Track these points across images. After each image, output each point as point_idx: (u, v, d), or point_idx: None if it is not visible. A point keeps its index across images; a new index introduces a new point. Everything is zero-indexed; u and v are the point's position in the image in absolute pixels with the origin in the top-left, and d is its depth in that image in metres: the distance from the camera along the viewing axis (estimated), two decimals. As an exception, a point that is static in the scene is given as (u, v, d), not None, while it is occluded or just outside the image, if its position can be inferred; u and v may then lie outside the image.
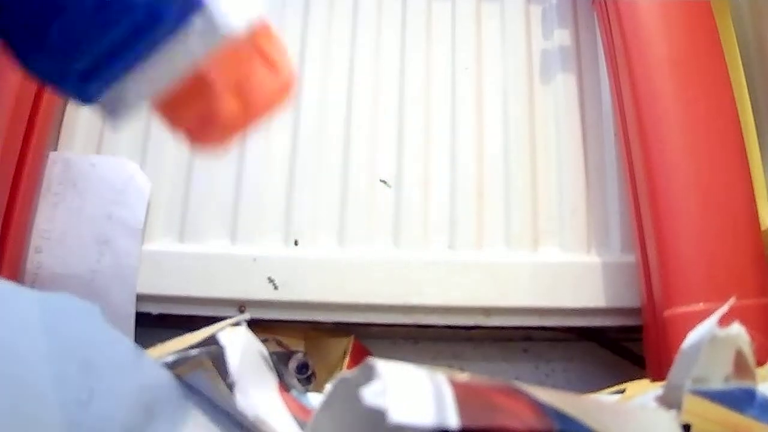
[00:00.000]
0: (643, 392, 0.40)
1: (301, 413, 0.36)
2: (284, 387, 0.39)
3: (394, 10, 0.80)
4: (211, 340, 0.35)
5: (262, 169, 0.73)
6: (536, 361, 0.74)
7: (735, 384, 0.30)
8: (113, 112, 0.28)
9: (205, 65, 0.28)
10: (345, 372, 0.24)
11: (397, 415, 0.20)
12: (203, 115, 0.31)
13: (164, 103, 0.30)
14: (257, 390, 0.34)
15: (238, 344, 0.34)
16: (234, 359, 0.32)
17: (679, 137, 0.59)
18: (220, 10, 0.27)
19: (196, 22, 0.26)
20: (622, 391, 0.49)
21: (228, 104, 0.31)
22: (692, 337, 0.32)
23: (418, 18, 0.79)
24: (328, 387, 0.27)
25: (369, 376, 0.22)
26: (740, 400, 0.30)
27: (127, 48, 0.27)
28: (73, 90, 0.28)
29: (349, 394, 0.23)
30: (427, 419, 0.21)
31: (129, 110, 0.28)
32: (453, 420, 0.21)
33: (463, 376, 0.24)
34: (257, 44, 0.31)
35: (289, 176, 0.73)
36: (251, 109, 0.33)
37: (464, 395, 0.22)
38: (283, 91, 0.34)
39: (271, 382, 0.38)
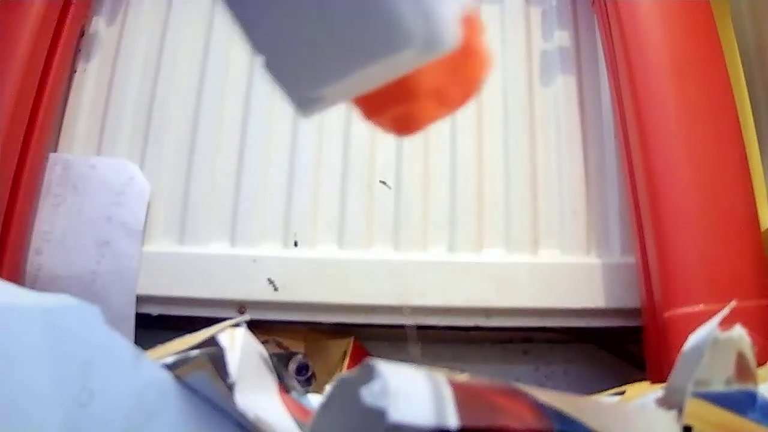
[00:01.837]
0: (643, 394, 0.40)
1: (301, 414, 0.36)
2: (284, 388, 0.39)
3: (394, 12, 0.80)
4: (211, 342, 0.34)
5: (261, 170, 0.73)
6: (536, 362, 0.73)
7: (736, 387, 0.30)
8: (307, 105, 0.26)
9: (413, 72, 0.27)
10: (345, 372, 0.24)
11: (396, 414, 0.20)
12: (401, 114, 0.30)
13: (362, 99, 0.29)
14: (257, 391, 0.34)
15: (238, 345, 0.34)
16: (234, 360, 0.32)
17: (679, 138, 0.59)
18: (446, 21, 0.25)
19: (418, 38, 0.24)
20: (622, 393, 0.49)
21: (427, 107, 0.30)
22: (693, 339, 0.32)
23: (417, 19, 0.79)
24: (328, 388, 0.27)
25: (369, 376, 0.22)
26: (742, 403, 0.30)
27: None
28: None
29: (348, 394, 0.23)
30: (427, 419, 0.21)
31: (324, 106, 0.26)
32: (452, 420, 0.21)
33: (462, 377, 0.24)
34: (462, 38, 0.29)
35: (288, 177, 0.73)
36: (448, 102, 0.32)
37: (464, 395, 0.22)
38: (479, 77, 0.33)
39: (271, 383, 0.38)
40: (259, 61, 0.25)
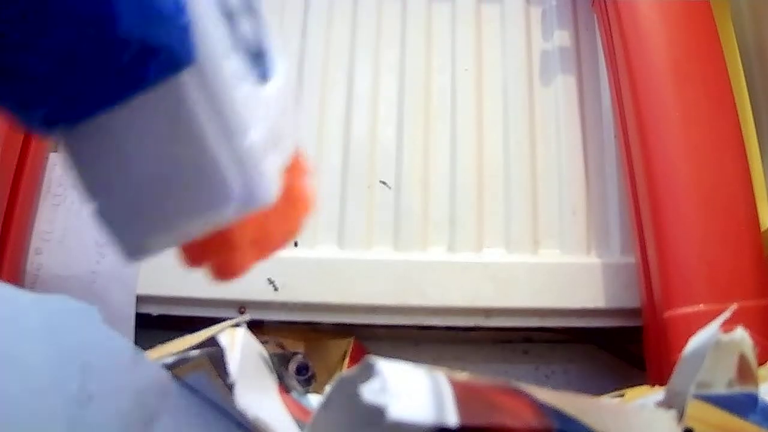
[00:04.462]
0: (643, 396, 0.40)
1: (301, 414, 0.36)
2: (284, 388, 0.39)
3: (394, 12, 0.80)
4: (211, 342, 0.34)
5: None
6: (536, 362, 0.73)
7: (738, 389, 0.30)
8: (135, 253, 0.27)
9: (233, 224, 0.28)
10: (345, 371, 0.24)
11: (396, 412, 0.20)
12: (221, 262, 0.31)
13: (186, 247, 0.30)
14: (257, 391, 0.34)
15: (238, 345, 0.34)
16: (234, 360, 0.32)
17: (679, 138, 0.59)
18: (265, 179, 0.26)
19: (238, 194, 0.25)
20: (622, 396, 0.49)
21: (245, 254, 0.31)
22: (695, 341, 0.32)
23: (418, 19, 0.80)
24: (328, 387, 0.27)
25: (368, 374, 0.22)
26: (743, 406, 0.30)
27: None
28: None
29: (348, 392, 0.23)
30: (427, 417, 0.21)
31: (151, 254, 0.28)
32: (452, 418, 0.21)
33: (462, 375, 0.24)
34: (283, 181, 0.30)
35: (289, 178, 0.73)
36: (267, 246, 0.33)
37: (464, 394, 0.22)
38: (299, 220, 0.34)
39: (271, 383, 0.38)
40: (89, 207, 0.26)
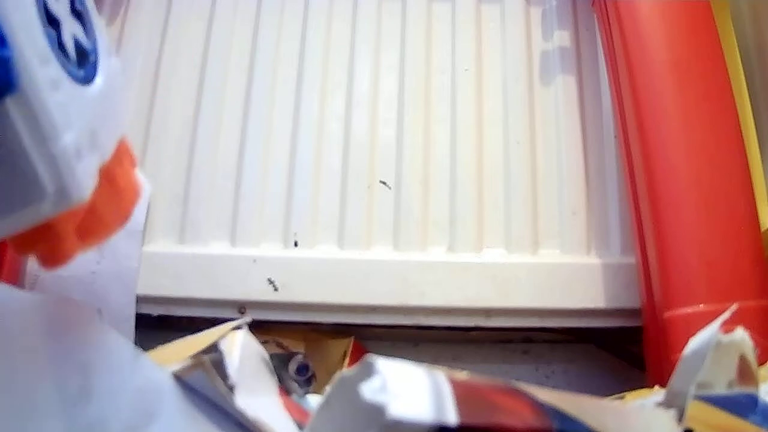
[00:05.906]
0: (642, 397, 0.40)
1: (301, 417, 0.36)
2: (284, 390, 0.39)
3: (394, 12, 0.80)
4: (212, 345, 0.34)
5: (261, 170, 0.73)
6: (536, 362, 0.73)
7: (738, 390, 0.30)
8: None
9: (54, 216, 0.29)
10: (344, 370, 0.24)
11: (395, 411, 0.20)
12: (46, 251, 0.32)
13: (10, 238, 0.31)
14: (257, 392, 0.34)
15: (238, 347, 0.34)
16: (233, 362, 0.32)
17: (679, 138, 0.59)
18: (79, 178, 0.27)
19: (51, 193, 0.26)
20: (622, 399, 0.49)
21: (69, 242, 0.32)
22: (695, 342, 0.32)
23: (417, 19, 0.80)
24: (328, 387, 0.27)
25: (368, 372, 0.22)
26: (743, 406, 0.30)
27: None
28: None
29: (348, 391, 0.23)
30: (426, 415, 0.21)
31: None
32: (452, 417, 0.21)
33: (462, 375, 0.24)
34: (106, 171, 0.31)
35: (288, 177, 0.73)
36: (96, 233, 0.34)
37: (463, 393, 0.22)
38: (123, 213, 0.36)
39: (271, 385, 0.38)
40: None
